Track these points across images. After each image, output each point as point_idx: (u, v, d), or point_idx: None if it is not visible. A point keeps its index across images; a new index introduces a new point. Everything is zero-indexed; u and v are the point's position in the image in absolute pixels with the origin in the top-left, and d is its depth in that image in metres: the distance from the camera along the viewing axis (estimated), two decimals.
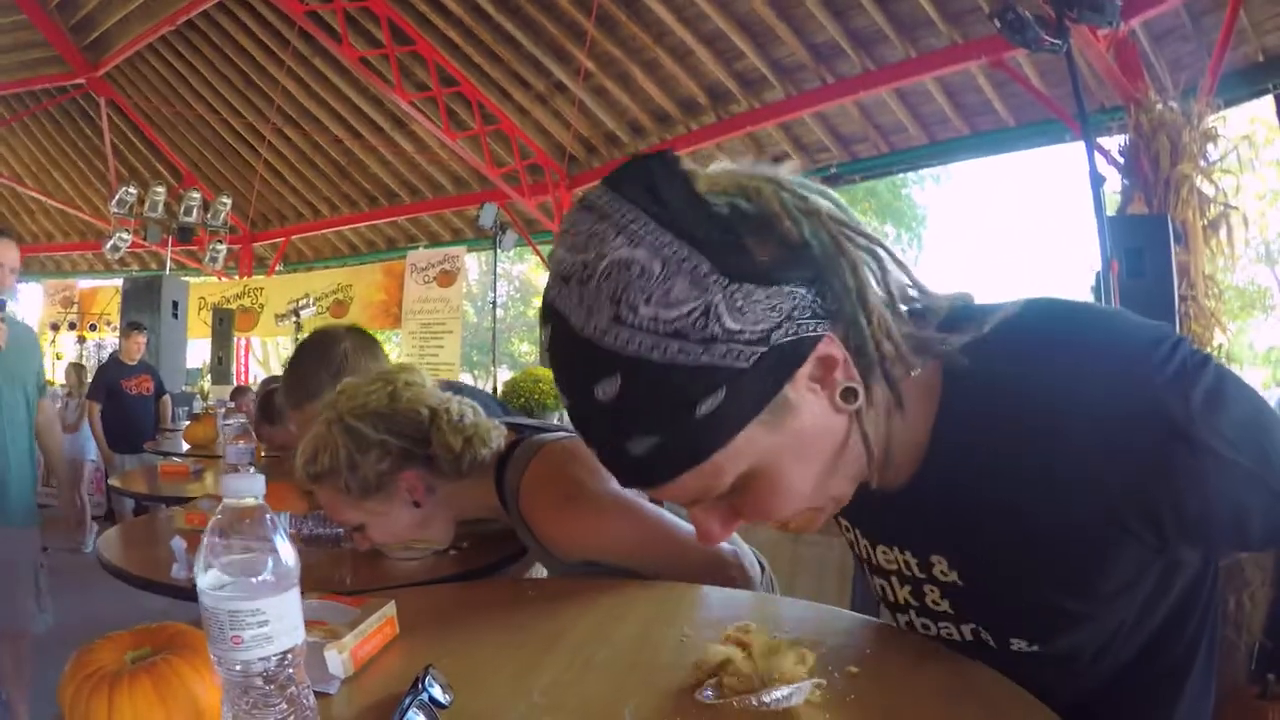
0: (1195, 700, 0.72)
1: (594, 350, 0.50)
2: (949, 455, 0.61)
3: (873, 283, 0.55)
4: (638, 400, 0.50)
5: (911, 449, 0.62)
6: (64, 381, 6.65)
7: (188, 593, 1.18)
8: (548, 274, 0.55)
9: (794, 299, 0.51)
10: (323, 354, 1.54)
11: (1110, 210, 4.40)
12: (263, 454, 2.59)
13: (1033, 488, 0.58)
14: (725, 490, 0.55)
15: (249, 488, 0.55)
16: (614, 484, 1.07)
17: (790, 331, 0.51)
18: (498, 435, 1.20)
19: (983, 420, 0.59)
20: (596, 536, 1.08)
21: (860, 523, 0.75)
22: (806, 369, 0.53)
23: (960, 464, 0.61)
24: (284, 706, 0.55)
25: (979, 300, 0.63)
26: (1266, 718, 0.78)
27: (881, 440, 0.59)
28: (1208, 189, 4.44)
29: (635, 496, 1.08)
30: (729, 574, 1.08)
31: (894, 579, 0.74)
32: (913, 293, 0.58)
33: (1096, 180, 3.98)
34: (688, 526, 1.03)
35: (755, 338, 0.50)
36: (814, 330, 0.52)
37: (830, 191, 0.58)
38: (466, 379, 12.47)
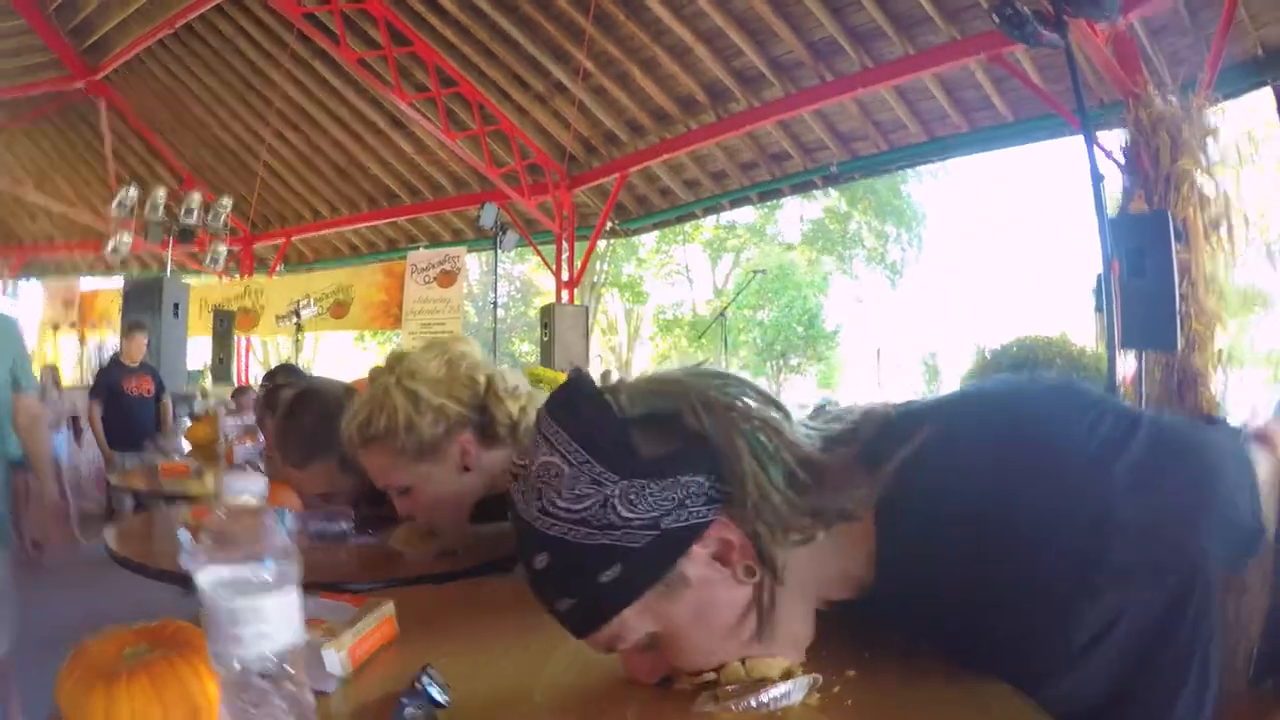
0: (1193, 700, 0.72)
1: (531, 530, 0.63)
2: (894, 584, 0.66)
3: (769, 466, 0.62)
4: (559, 570, 0.63)
5: (855, 581, 0.68)
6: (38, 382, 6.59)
7: (193, 583, 1.18)
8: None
9: (689, 488, 0.61)
10: (326, 416, 1.43)
11: (1111, 208, 4.40)
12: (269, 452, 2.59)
13: (983, 596, 0.63)
14: (642, 644, 0.65)
15: (249, 487, 0.55)
16: None
17: (680, 519, 0.61)
18: None
19: (921, 551, 0.64)
20: None
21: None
22: (702, 549, 0.62)
23: (907, 591, 0.66)
24: (282, 705, 0.55)
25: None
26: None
27: (797, 598, 0.66)
28: (1209, 187, 4.43)
29: None
30: None
31: None
32: (818, 458, 0.64)
33: (1097, 178, 3.98)
34: None
35: (646, 524, 0.61)
36: (706, 516, 0.62)
37: (746, 380, 0.66)
38: None
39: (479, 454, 1.20)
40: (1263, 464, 0.71)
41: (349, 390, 1.61)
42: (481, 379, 1.20)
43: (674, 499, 0.61)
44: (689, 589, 0.62)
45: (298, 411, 1.54)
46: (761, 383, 0.68)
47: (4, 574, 2.32)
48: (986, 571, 0.62)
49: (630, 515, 0.61)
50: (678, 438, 0.63)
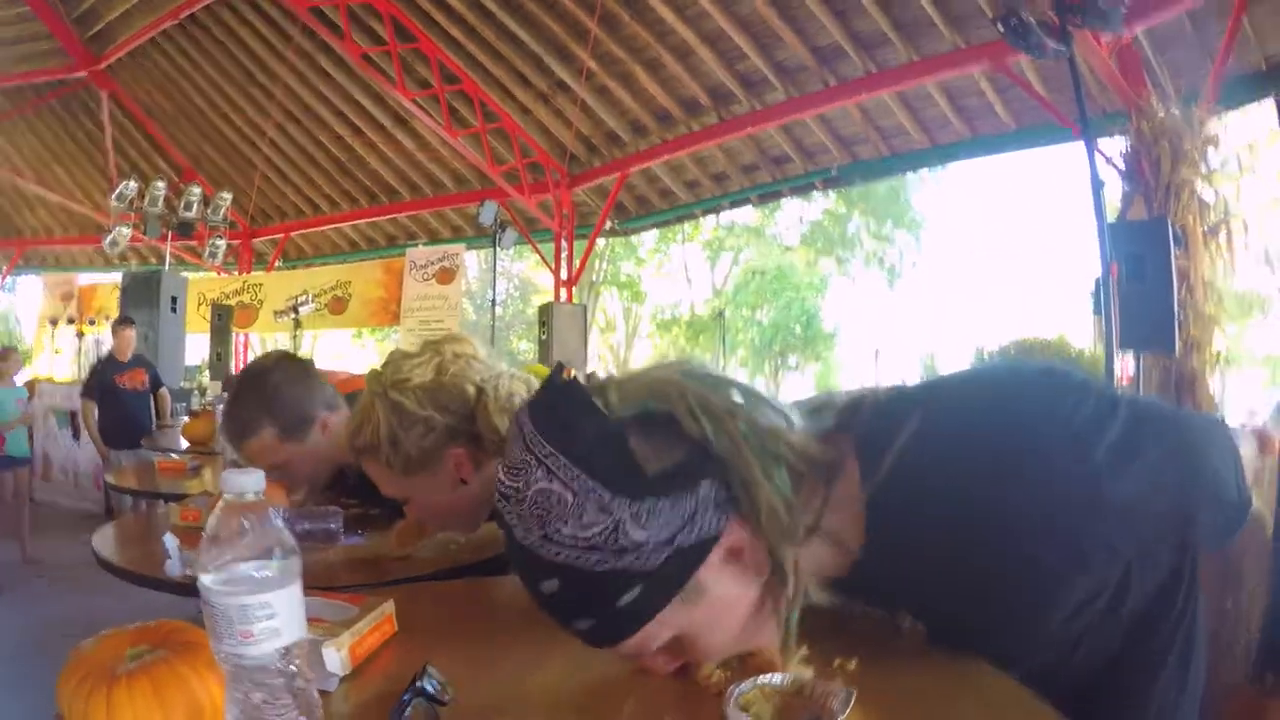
0: (1176, 684, 0.74)
1: (534, 557, 0.61)
2: (883, 566, 0.67)
3: (770, 467, 0.62)
4: (572, 595, 0.61)
5: (843, 563, 0.68)
6: None
7: (182, 589, 1.18)
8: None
9: (697, 497, 0.60)
10: (255, 389, 1.50)
11: (1111, 215, 4.41)
12: None
13: (971, 577, 0.64)
14: (662, 648, 0.65)
15: (249, 484, 0.55)
16: None
17: (692, 534, 0.60)
18: None
19: (910, 535, 0.64)
20: None
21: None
22: (717, 555, 0.61)
23: (894, 572, 0.67)
24: (289, 701, 0.55)
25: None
26: (1266, 716, 0.79)
27: (796, 592, 0.65)
28: (1208, 194, 4.44)
29: None
30: None
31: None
32: (817, 453, 0.65)
33: (1097, 185, 3.99)
34: None
35: (660, 542, 0.59)
36: (717, 526, 0.61)
37: (733, 380, 0.65)
38: None
39: (476, 464, 1.14)
40: (1245, 443, 0.73)
41: (282, 360, 1.59)
42: (471, 390, 1.13)
43: (685, 513, 0.60)
44: (706, 595, 0.62)
45: (233, 392, 1.56)
46: (755, 380, 0.68)
47: None
48: (974, 552, 0.63)
49: (644, 537, 0.59)
50: (678, 445, 0.61)
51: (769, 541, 0.62)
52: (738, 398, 0.64)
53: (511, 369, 1.20)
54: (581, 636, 0.64)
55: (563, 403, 0.63)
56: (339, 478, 1.63)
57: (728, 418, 0.62)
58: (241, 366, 10.68)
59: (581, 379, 0.67)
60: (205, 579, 0.53)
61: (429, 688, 0.65)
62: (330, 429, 1.53)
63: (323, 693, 0.70)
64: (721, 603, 0.63)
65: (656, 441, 0.61)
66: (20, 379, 5.39)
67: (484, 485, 1.15)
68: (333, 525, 1.39)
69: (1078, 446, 0.61)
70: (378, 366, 1.18)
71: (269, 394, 1.49)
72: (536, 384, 1.37)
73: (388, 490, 1.18)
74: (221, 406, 3.54)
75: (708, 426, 0.61)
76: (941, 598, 0.67)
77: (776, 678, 0.65)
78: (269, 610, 0.53)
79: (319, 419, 1.52)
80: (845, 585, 0.71)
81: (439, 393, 1.12)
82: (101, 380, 5.23)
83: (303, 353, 10.10)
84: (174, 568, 1.21)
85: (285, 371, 1.53)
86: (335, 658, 0.73)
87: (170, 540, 1.24)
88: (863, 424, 0.67)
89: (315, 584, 0.90)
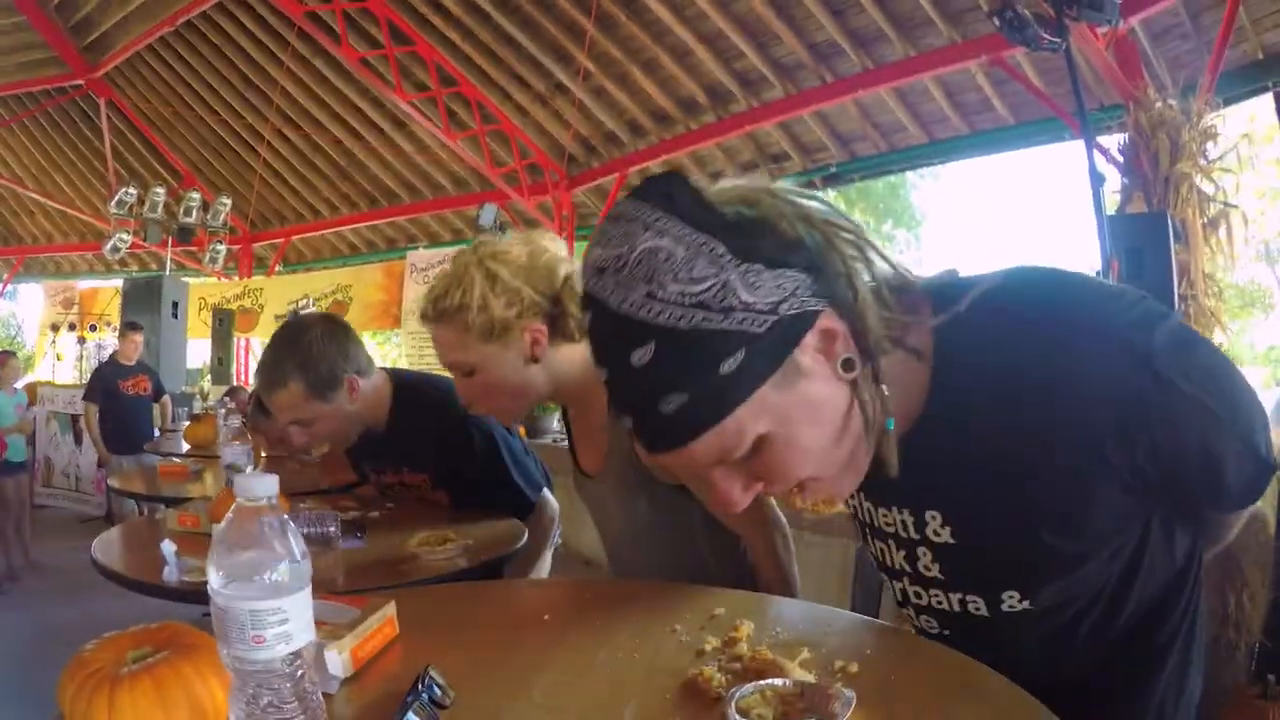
0: (1174, 688, 0.75)
1: (630, 324, 0.58)
2: (943, 417, 0.68)
3: (860, 270, 0.62)
4: (669, 363, 0.57)
5: (908, 413, 0.68)
6: None
7: (179, 594, 1.18)
8: (583, 272, 0.63)
9: (795, 281, 0.59)
10: (291, 342, 1.57)
11: (1110, 209, 4.40)
12: (263, 454, 2.59)
13: (1021, 437, 0.65)
14: (745, 453, 0.61)
15: (262, 488, 0.55)
16: None
17: (795, 306, 0.59)
18: None
19: (972, 383, 0.66)
20: None
21: (863, 487, 0.79)
22: (811, 339, 0.60)
23: (953, 424, 0.67)
24: (295, 705, 0.55)
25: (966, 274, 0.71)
26: (1267, 718, 0.79)
27: (879, 409, 0.65)
28: (1207, 187, 4.43)
29: None
30: (774, 534, 1.14)
31: (891, 543, 0.78)
32: (895, 279, 0.66)
33: (1096, 179, 3.98)
34: None
35: (766, 308, 0.58)
36: (815, 305, 0.60)
37: (820, 195, 0.66)
38: None
39: (548, 347, 1.19)
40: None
41: (323, 318, 1.68)
42: (561, 272, 1.19)
43: (786, 288, 0.58)
44: (802, 379, 0.60)
45: (271, 343, 1.63)
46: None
47: None
48: (1028, 413, 0.64)
49: (752, 299, 0.57)
50: (773, 241, 0.60)
51: (861, 330, 0.62)
52: (825, 208, 0.64)
53: None
54: (666, 424, 0.59)
55: (671, 184, 0.62)
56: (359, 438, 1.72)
57: (824, 224, 0.62)
58: (243, 374, 10.70)
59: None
60: (216, 583, 0.53)
61: (431, 690, 0.65)
62: (358, 392, 1.60)
63: (325, 695, 0.70)
64: (813, 395, 0.61)
65: (756, 234, 0.60)
66: (20, 384, 5.38)
67: (548, 373, 1.20)
68: (330, 529, 1.39)
69: (1141, 325, 0.62)
70: (475, 239, 1.23)
71: (302, 349, 1.56)
72: None
73: (455, 356, 1.21)
74: (223, 411, 3.55)
75: (802, 228, 0.61)
76: (987, 468, 0.67)
77: (777, 681, 0.65)
78: (281, 615, 0.53)
79: (347, 381, 1.59)
80: (889, 487, 0.71)
81: (531, 271, 1.17)
82: (105, 384, 5.24)
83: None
84: (171, 574, 1.22)
85: (322, 331, 1.60)
86: (337, 660, 0.73)
87: (168, 546, 1.24)
88: (935, 282, 0.69)
89: (316, 586, 0.91)
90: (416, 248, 10.15)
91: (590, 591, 0.98)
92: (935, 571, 0.75)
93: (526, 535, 1.51)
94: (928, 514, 0.73)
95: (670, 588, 0.99)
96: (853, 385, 0.63)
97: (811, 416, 0.61)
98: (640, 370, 0.58)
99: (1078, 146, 4.47)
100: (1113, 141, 4.78)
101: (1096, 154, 4.24)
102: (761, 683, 0.65)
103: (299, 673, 0.55)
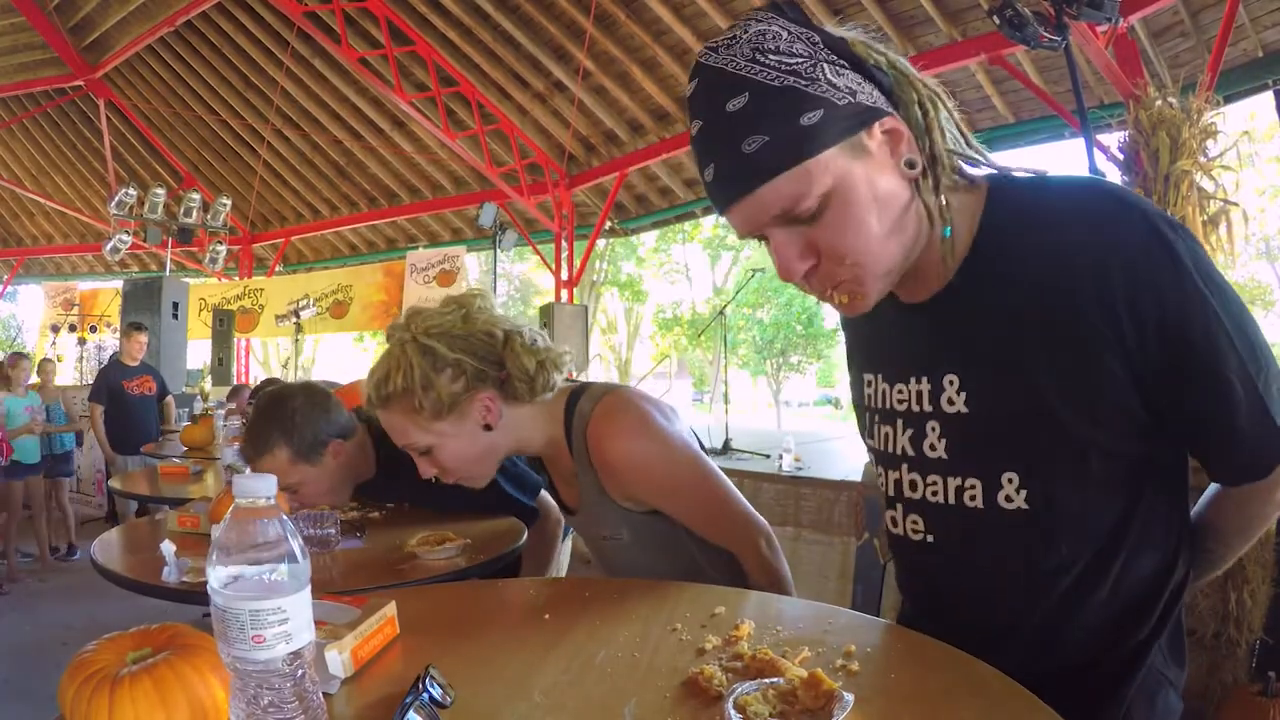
0: (1143, 702, 0.75)
1: (731, 77, 0.67)
2: (980, 264, 0.75)
3: (930, 110, 0.72)
4: (758, 109, 0.66)
5: (952, 258, 0.75)
6: None
7: (179, 595, 1.18)
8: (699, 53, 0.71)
9: (875, 89, 0.70)
10: (274, 413, 1.59)
11: None
12: None
13: (1047, 293, 0.70)
14: (810, 208, 0.68)
15: (261, 488, 0.55)
16: (678, 425, 1.17)
17: (871, 98, 0.69)
18: (568, 360, 1.23)
19: (1011, 236, 0.73)
20: (660, 465, 1.12)
21: (882, 363, 0.86)
22: (879, 130, 0.69)
23: (989, 275, 0.74)
24: (296, 705, 0.55)
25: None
26: (1268, 715, 0.79)
27: (938, 216, 0.73)
28: (1207, 185, 4.43)
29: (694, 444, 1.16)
30: (758, 540, 1.13)
31: (900, 422, 0.81)
32: (957, 133, 0.75)
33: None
34: (736, 491, 1.16)
35: (847, 90, 0.68)
36: (887, 109, 0.70)
37: (902, 59, 0.75)
38: None
39: (501, 411, 1.17)
40: None
41: (304, 388, 1.69)
42: (499, 333, 1.17)
43: (865, 87, 0.69)
44: (869, 158, 0.68)
45: (255, 413, 1.65)
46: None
47: None
48: (1055, 265, 0.70)
49: (835, 81, 0.67)
50: (864, 62, 0.70)
51: (925, 145, 0.71)
52: (909, 68, 0.75)
53: (529, 324, 1.24)
54: (746, 161, 0.67)
55: (777, 3, 0.72)
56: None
57: (904, 69, 0.73)
58: (243, 374, 10.70)
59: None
60: (216, 583, 0.53)
61: (431, 690, 0.65)
62: (342, 455, 1.64)
63: (324, 695, 0.70)
64: (874, 174, 0.68)
65: (848, 50, 0.71)
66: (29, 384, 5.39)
67: (508, 433, 1.19)
68: (330, 531, 1.39)
69: (1164, 216, 0.69)
70: (398, 319, 1.20)
71: (286, 417, 1.59)
72: (549, 332, 1.42)
73: (409, 439, 1.18)
74: (222, 413, 3.56)
75: (885, 66, 0.72)
76: (1011, 326, 0.72)
77: (778, 680, 0.65)
78: (282, 615, 0.53)
79: (331, 445, 1.62)
80: (921, 327, 0.78)
81: (468, 338, 1.16)
82: (110, 385, 5.24)
83: (304, 358, 10.10)
84: (170, 574, 1.22)
85: (305, 398, 1.63)
86: (337, 660, 0.73)
87: (167, 547, 1.24)
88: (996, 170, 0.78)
89: (316, 587, 0.91)
90: (416, 248, 10.15)
91: (590, 591, 0.98)
92: (940, 450, 0.77)
93: (526, 534, 1.51)
94: (946, 379, 0.77)
95: (670, 587, 0.99)
96: (914, 185, 0.71)
97: (871, 195, 0.68)
98: (731, 114, 0.67)
99: (1078, 145, 4.47)
100: (1113, 139, 4.78)
101: (1096, 152, 4.25)
102: (762, 681, 0.65)
103: (299, 673, 0.55)
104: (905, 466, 0.81)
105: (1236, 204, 4.43)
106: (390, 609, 0.84)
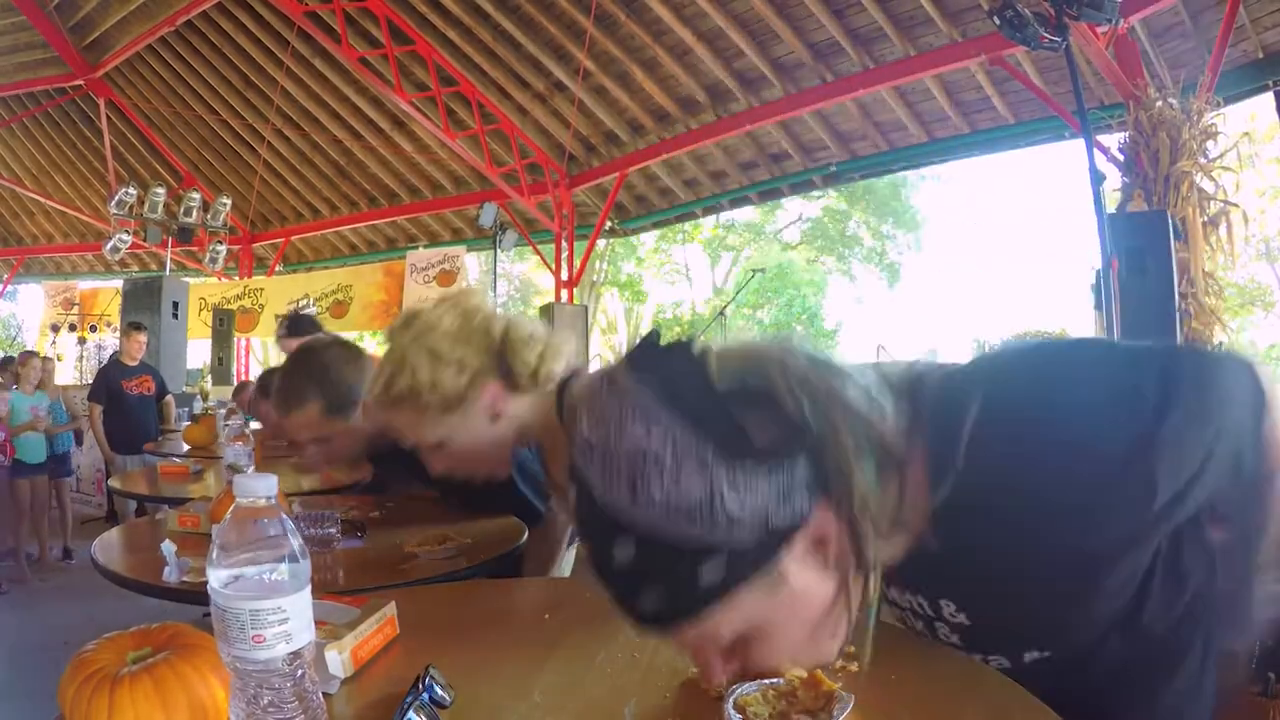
0: (1187, 691, 0.74)
1: (612, 519, 0.57)
2: (949, 530, 0.66)
3: (866, 466, 0.59)
4: (649, 563, 0.57)
5: (912, 528, 0.66)
6: None
7: (179, 594, 1.18)
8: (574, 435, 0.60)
9: (793, 475, 0.56)
10: (308, 365, 1.61)
11: (1110, 207, 4.40)
12: (262, 443, 2.59)
13: (1026, 564, 0.65)
14: (725, 643, 0.61)
15: (261, 488, 0.55)
16: None
17: (786, 513, 0.56)
18: (568, 351, 1.25)
19: (978, 500, 0.64)
20: None
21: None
22: (803, 540, 0.58)
23: (960, 536, 0.66)
24: (295, 705, 0.55)
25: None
26: (1268, 715, 0.78)
27: (866, 595, 0.63)
28: (1207, 185, 4.43)
29: None
30: None
31: (908, 614, 0.79)
32: (896, 449, 0.62)
33: (1096, 178, 3.98)
34: None
35: (754, 520, 0.55)
36: (807, 508, 0.57)
37: (833, 360, 0.62)
38: None
39: (507, 402, 1.20)
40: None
41: (337, 342, 1.70)
42: (497, 329, 1.20)
43: (780, 489, 0.56)
44: (786, 583, 0.58)
45: (286, 366, 1.66)
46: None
47: None
48: (1032, 542, 0.64)
49: (738, 507, 0.55)
50: (776, 421, 0.57)
51: (855, 531, 0.59)
52: (837, 380, 0.61)
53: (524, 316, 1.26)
54: (645, 617, 0.60)
55: (666, 360, 0.60)
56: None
57: (827, 400, 0.59)
58: (243, 374, 10.69)
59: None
60: (216, 583, 0.53)
61: (432, 690, 0.65)
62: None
63: (324, 695, 0.70)
64: (799, 594, 0.59)
65: (756, 414, 0.57)
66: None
67: (514, 422, 1.21)
68: (330, 530, 1.39)
69: (1143, 436, 0.61)
70: (397, 322, 1.22)
71: (319, 370, 1.59)
72: (546, 323, 1.41)
73: (420, 437, 1.20)
74: (223, 412, 3.55)
75: (807, 406, 0.58)
76: (996, 571, 0.67)
77: (777, 680, 0.65)
78: (282, 614, 0.53)
79: (362, 400, 1.60)
80: (900, 575, 0.71)
81: (469, 336, 1.18)
82: (109, 384, 5.24)
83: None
84: (171, 574, 1.21)
85: (337, 353, 1.64)
86: (337, 660, 0.73)
87: (168, 546, 1.24)
88: (926, 413, 0.65)
89: (316, 587, 0.90)
90: (416, 247, 10.15)
91: (590, 591, 0.98)
92: (955, 640, 0.75)
93: (527, 534, 1.51)
94: (942, 601, 0.73)
95: None
96: (841, 579, 0.61)
97: (791, 614, 0.60)
98: (621, 564, 0.58)
99: (1078, 145, 4.47)
100: (1113, 140, 4.79)
101: (1097, 153, 4.25)
102: (762, 681, 0.65)
103: (299, 672, 0.55)
104: (926, 639, 0.79)
105: (1237, 205, 4.43)
106: (390, 609, 0.83)
